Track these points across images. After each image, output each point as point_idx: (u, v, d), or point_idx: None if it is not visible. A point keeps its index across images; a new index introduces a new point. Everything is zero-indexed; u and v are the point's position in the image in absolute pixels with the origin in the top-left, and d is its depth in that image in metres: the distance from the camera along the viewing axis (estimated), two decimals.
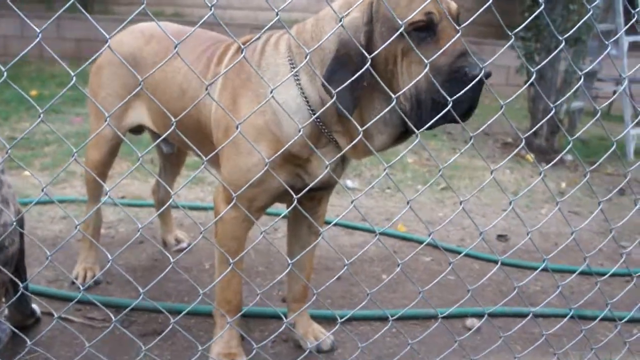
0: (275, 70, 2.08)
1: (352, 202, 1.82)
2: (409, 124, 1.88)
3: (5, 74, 1.52)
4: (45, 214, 3.80)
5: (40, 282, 2.99)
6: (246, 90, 2.14)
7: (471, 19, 1.87)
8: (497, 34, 9.36)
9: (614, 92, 8.26)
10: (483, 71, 1.80)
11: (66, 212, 1.91)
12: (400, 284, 3.22)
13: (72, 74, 1.58)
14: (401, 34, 1.80)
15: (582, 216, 4.54)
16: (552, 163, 2.61)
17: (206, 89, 1.66)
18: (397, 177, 5.09)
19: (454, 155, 6.01)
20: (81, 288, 1.88)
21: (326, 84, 1.88)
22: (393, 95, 1.78)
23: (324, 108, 1.89)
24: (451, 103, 1.80)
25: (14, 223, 1.91)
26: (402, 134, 2.05)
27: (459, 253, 3.54)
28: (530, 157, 5.92)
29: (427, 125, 1.91)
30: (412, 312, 2.85)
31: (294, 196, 1.86)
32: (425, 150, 6.05)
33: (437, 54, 1.78)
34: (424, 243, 2.75)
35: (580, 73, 2.33)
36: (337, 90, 1.83)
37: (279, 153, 1.94)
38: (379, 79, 1.83)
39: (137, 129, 2.88)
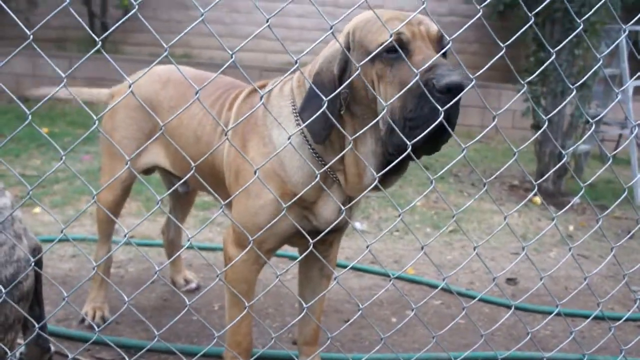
0: (278, 112, 2.12)
1: (367, 247, 1.83)
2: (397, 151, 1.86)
3: (29, 117, 1.55)
4: (55, 252, 3.81)
5: (49, 321, 2.97)
6: (253, 134, 2.19)
7: (487, 65, 1.90)
8: (502, 77, 9.46)
9: (620, 136, 8.30)
10: (448, 80, 1.72)
11: (82, 251, 1.93)
12: (411, 327, 3.20)
13: (95, 117, 1.61)
14: (374, 57, 1.82)
15: (591, 260, 4.52)
16: (565, 209, 2.62)
17: (225, 134, 1.69)
18: (405, 219, 5.09)
19: (461, 197, 6.02)
20: (96, 329, 1.88)
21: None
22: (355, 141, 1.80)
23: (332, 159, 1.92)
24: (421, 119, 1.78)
25: (30, 258, 1.91)
26: (396, 167, 1.95)
27: (471, 297, 3.52)
28: (539, 199, 5.93)
29: (410, 149, 1.82)
30: (426, 356, 2.83)
31: (310, 240, 1.87)
32: (433, 192, 6.08)
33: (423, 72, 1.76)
34: (438, 288, 2.76)
35: (590, 119, 2.37)
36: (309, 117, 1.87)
37: (293, 199, 1.96)
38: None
39: (148, 170, 2.91)
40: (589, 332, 3.36)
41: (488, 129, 1.98)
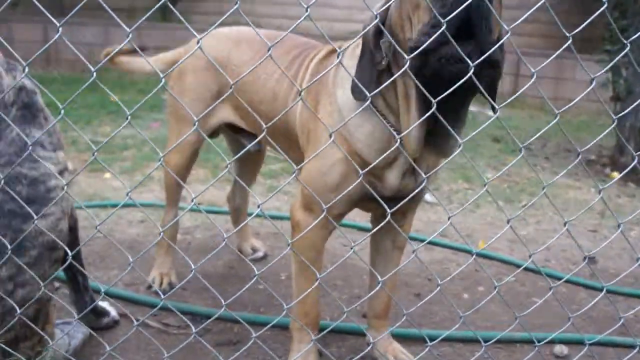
0: (345, 72, 2.01)
1: (449, 219, 1.71)
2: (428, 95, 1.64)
3: (94, 74, 1.49)
4: (124, 217, 3.83)
5: (117, 285, 2.98)
6: (324, 94, 2.12)
7: (579, 27, 1.72)
8: (577, 47, 9.03)
9: None
10: None
11: (149, 218, 1.88)
12: (482, 304, 3.06)
13: (161, 75, 1.54)
14: None
15: None
16: None
17: (300, 94, 1.60)
18: (476, 191, 4.92)
19: (534, 172, 5.79)
20: (161, 295, 1.84)
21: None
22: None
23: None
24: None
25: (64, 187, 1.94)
26: (444, 130, 1.76)
27: (556, 278, 3.36)
28: (616, 174, 5.65)
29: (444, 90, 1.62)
30: (508, 336, 2.68)
31: (387, 209, 1.77)
32: (504, 165, 5.86)
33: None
34: (522, 267, 2.63)
35: None
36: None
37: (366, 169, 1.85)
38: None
39: (214, 133, 2.87)
40: None
41: (577, 102, 1.80)
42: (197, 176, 4.61)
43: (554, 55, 1.86)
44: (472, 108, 9.40)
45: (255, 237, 3.63)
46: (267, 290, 3.04)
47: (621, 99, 6.09)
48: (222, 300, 1.77)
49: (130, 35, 1.50)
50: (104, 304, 2.62)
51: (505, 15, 1.78)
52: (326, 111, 2.07)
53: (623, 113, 2.47)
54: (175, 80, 2.84)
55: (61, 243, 1.93)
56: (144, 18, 1.62)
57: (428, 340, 2.03)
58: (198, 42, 1.52)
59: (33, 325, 1.89)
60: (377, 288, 2.07)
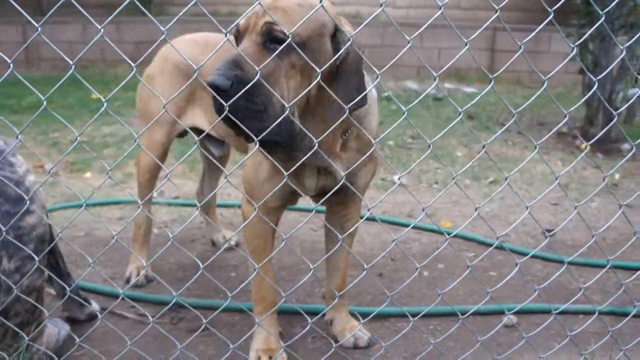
0: None
1: (398, 179, 1.89)
2: None
3: (73, 67, 1.64)
4: (103, 215, 4.01)
5: (96, 281, 3.17)
6: None
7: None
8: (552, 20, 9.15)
9: None
10: (209, 80, 1.79)
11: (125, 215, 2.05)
12: (441, 281, 3.27)
13: (134, 65, 1.69)
14: None
15: (635, 209, 4.45)
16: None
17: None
18: (445, 170, 5.11)
19: (505, 147, 5.97)
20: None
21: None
22: None
23: None
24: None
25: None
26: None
27: (515, 252, 3.55)
28: (584, 145, 5.83)
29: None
30: (460, 309, 2.88)
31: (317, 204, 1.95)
32: (476, 142, 6.03)
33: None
34: (493, 246, 2.80)
35: None
36: None
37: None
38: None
39: (182, 133, 3.05)
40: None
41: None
42: (175, 171, 4.78)
43: (537, 30, 2.01)
44: (449, 85, 9.47)
45: (229, 227, 3.82)
46: (239, 277, 3.24)
47: (588, 71, 6.26)
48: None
49: (102, 31, 1.65)
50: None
51: None
52: None
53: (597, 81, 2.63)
54: (143, 84, 3.00)
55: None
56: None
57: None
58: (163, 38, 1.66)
59: (38, 305, 2.20)
60: (322, 262, 2.25)
